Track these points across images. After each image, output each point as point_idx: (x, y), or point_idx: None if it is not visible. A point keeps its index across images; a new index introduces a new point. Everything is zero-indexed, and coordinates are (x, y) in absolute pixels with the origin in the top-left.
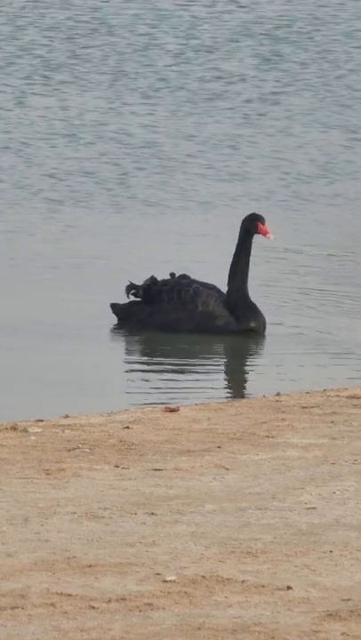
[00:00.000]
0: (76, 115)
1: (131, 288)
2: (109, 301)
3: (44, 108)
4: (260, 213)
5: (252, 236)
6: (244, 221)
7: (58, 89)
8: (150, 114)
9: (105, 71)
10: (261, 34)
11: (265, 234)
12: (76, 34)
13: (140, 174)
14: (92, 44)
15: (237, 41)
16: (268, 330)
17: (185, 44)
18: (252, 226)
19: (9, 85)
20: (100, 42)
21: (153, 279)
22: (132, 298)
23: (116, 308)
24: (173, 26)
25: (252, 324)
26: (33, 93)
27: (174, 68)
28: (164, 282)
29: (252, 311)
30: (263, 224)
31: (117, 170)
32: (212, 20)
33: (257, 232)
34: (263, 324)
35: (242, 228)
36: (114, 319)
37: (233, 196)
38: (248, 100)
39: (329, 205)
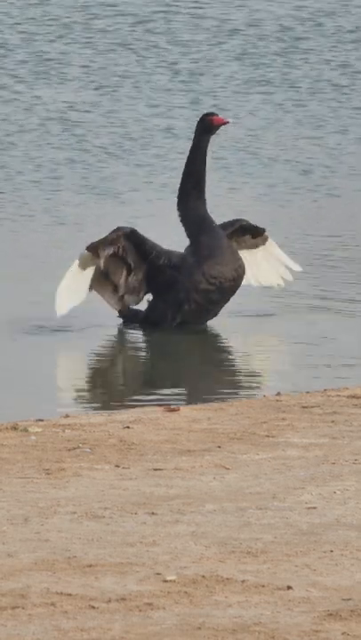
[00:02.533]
0: (65, 106)
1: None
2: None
3: (40, 99)
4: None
5: (209, 135)
6: (197, 125)
7: (53, 83)
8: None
9: (92, 65)
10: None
11: (222, 121)
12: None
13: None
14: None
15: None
16: (268, 329)
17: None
18: (206, 123)
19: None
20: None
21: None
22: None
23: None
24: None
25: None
26: (36, 86)
27: (176, 60)
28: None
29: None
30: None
31: (117, 159)
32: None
33: (214, 126)
34: (240, 268)
35: (196, 130)
36: (115, 317)
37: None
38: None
39: (329, 199)
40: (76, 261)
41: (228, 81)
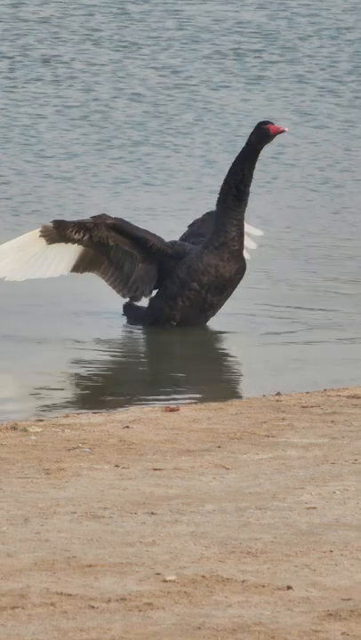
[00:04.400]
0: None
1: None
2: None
3: (42, 94)
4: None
5: (264, 143)
6: (252, 134)
7: (57, 81)
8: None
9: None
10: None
11: (279, 130)
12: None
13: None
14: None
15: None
16: (268, 329)
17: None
18: (262, 132)
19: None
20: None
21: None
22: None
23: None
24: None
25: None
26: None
27: (188, 50)
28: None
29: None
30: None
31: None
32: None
33: (271, 135)
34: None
35: (251, 138)
36: (118, 315)
37: None
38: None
39: (327, 194)
40: (37, 231)
41: (225, 78)
